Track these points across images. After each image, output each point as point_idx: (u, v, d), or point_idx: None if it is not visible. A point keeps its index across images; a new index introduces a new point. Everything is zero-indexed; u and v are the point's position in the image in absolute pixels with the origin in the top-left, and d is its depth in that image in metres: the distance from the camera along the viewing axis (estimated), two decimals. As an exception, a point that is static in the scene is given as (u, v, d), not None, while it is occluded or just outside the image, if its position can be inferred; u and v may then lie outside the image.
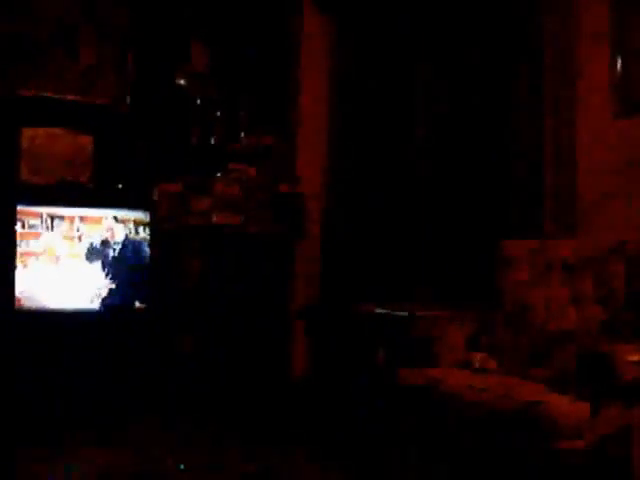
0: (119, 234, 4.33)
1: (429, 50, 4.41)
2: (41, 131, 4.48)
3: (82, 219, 4.27)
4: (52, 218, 4.19)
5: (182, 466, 3.50)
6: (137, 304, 4.38)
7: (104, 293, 4.30)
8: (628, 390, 2.54)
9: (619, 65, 3.53)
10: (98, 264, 4.29)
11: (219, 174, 4.67)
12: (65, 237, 4.23)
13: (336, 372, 4.38)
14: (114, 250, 4.32)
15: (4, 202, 4.19)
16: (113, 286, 4.31)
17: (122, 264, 4.33)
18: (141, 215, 4.39)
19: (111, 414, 4.06)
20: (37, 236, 4.16)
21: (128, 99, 4.74)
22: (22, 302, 4.10)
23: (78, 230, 4.26)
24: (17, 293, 4.08)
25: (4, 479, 3.36)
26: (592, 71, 3.65)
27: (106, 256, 4.30)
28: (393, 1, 4.62)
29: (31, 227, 4.15)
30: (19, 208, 4.13)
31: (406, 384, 3.15)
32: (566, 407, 2.54)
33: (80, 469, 3.50)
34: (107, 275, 4.31)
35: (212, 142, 4.82)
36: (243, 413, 4.26)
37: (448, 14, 4.30)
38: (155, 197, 4.49)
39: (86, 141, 4.60)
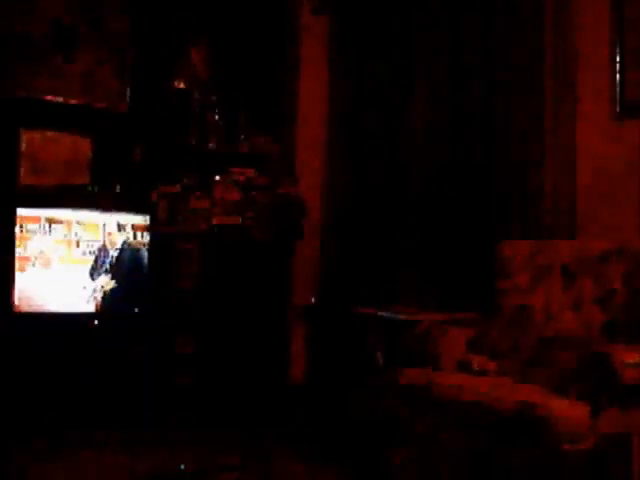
0: (118, 237, 4.33)
1: (428, 50, 4.40)
2: (40, 134, 4.48)
3: (80, 222, 4.26)
4: (50, 222, 4.18)
5: (182, 466, 3.51)
6: (136, 306, 4.37)
7: (104, 296, 4.29)
8: (628, 391, 2.54)
9: (619, 67, 3.53)
10: (96, 267, 4.28)
11: (218, 176, 4.66)
12: (63, 241, 4.22)
13: (335, 373, 4.37)
14: (113, 253, 4.31)
15: (3, 205, 4.18)
16: (113, 289, 4.30)
17: (121, 267, 4.32)
18: (140, 218, 4.38)
19: (111, 415, 4.05)
20: (35, 240, 4.15)
21: (127, 101, 4.73)
22: (20, 306, 4.09)
23: (76, 234, 4.25)
24: (15, 297, 4.07)
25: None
26: (592, 72, 3.65)
27: (105, 259, 4.29)
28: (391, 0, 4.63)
29: (29, 231, 4.14)
30: (17, 211, 4.12)
31: (406, 386, 3.14)
32: (566, 409, 2.53)
33: (80, 470, 3.50)
34: (106, 278, 4.30)
35: (211, 144, 4.81)
36: (242, 414, 4.25)
37: (447, 13, 4.30)
38: (154, 200, 4.49)
39: (85, 144, 4.60)
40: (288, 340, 4.73)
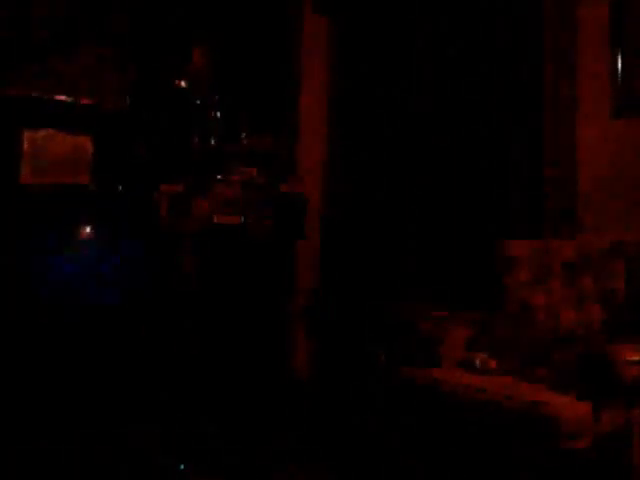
0: (118, 236, 4.34)
1: (427, 50, 4.41)
2: (40, 132, 4.48)
3: (81, 222, 4.27)
4: (52, 221, 4.19)
5: (182, 466, 3.51)
6: (137, 304, 4.38)
7: (103, 294, 4.30)
8: (629, 389, 2.55)
9: (619, 65, 3.54)
10: (98, 267, 4.29)
11: (219, 175, 4.67)
12: (64, 240, 4.23)
13: (337, 371, 4.38)
14: (114, 252, 4.32)
15: (4, 205, 4.19)
16: (114, 288, 4.31)
17: (122, 266, 4.33)
18: (141, 217, 4.39)
19: (109, 414, 4.06)
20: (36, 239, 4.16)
21: (128, 100, 4.73)
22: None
23: (77, 233, 4.26)
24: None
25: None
26: (592, 71, 3.66)
27: (105, 258, 4.30)
28: (391, 1, 4.63)
29: (30, 230, 4.15)
30: (19, 211, 4.13)
31: (407, 384, 3.15)
32: (567, 407, 2.54)
33: (79, 468, 3.51)
34: (107, 278, 4.31)
35: (212, 143, 4.82)
36: (243, 413, 4.26)
37: (446, 14, 4.30)
38: (155, 199, 4.49)
39: (86, 143, 4.60)
40: (290, 340, 4.74)
